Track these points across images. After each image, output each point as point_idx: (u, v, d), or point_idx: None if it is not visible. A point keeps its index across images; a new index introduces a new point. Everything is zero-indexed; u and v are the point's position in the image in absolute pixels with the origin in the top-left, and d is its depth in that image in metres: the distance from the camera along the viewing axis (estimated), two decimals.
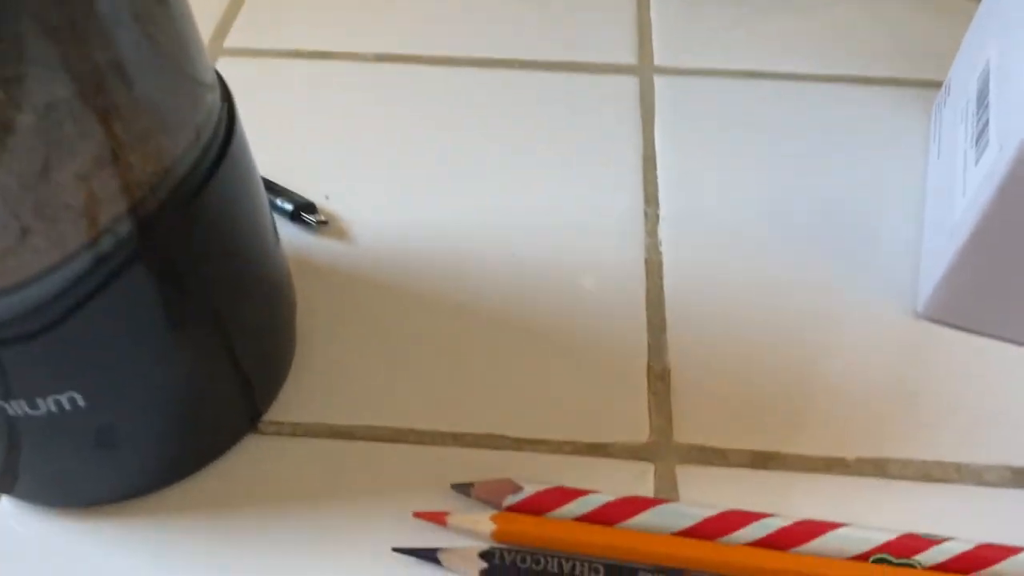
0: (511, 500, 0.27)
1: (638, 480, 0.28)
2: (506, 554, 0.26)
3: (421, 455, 0.29)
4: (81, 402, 0.24)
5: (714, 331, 0.32)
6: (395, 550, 0.26)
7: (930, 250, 0.33)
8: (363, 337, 0.32)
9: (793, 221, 0.36)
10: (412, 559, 0.26)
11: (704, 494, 0.28)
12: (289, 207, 0.35)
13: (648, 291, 0.34)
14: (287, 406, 0.30)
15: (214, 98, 0.24)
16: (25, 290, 0.21)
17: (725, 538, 0.26)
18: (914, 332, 0.32)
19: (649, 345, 0.32)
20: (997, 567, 0.24)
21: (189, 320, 0.25)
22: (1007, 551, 0.25)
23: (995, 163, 0.28)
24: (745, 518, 0.26)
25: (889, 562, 0.25)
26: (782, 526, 0.26)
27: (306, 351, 0.32)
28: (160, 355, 0.25)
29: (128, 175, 0.21)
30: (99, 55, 0.20)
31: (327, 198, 0.36)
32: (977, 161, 0.30)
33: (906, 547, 0.25)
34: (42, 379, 0.23)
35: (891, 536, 0.25)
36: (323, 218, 0.35)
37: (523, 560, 0.25)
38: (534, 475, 0.28)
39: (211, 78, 0.24)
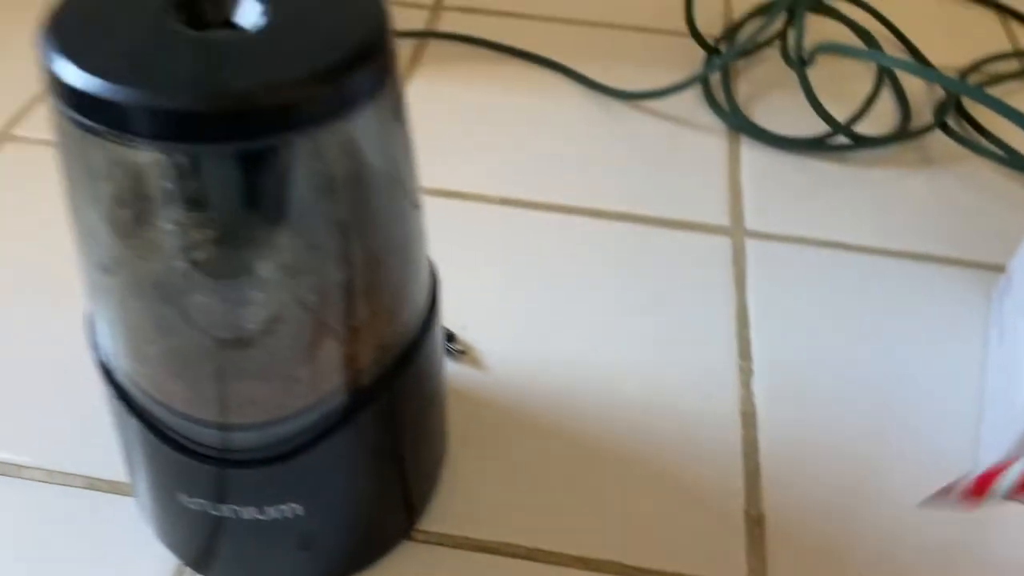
0: None
1: None
2: None
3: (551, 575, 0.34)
4: (300, 512, 0.29)
5: (805, 482, 0.37)
6: None
7: (991, 425, 0.38)
8: (497, 459, 0.37)
9: (869, 383, 0.41)
10: None
11: None
12: None
13: (744, 440, 0.39)
14: (434, 519, 0.35)
15: (430, 273, 0.30)
16: (280, 425, 0.27)
17: None
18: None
19: (745, 490, 0.37)
20: None
21: (392, 449, 0.30)
22: None
23: None
24: None
25: None
26: None
27: (450, 470, 0.37)
28: (365, 478, 0.30)
29: (377, 340, 0.27)
30: (370, 244, 0.25)
31: (465, 328, 0.42)
32: None
33: None
34: (275, 492, 0.28)
35: None
36: (462, 348, 0.40)
37: None
38: None
39: (429, 259, 0.30)
